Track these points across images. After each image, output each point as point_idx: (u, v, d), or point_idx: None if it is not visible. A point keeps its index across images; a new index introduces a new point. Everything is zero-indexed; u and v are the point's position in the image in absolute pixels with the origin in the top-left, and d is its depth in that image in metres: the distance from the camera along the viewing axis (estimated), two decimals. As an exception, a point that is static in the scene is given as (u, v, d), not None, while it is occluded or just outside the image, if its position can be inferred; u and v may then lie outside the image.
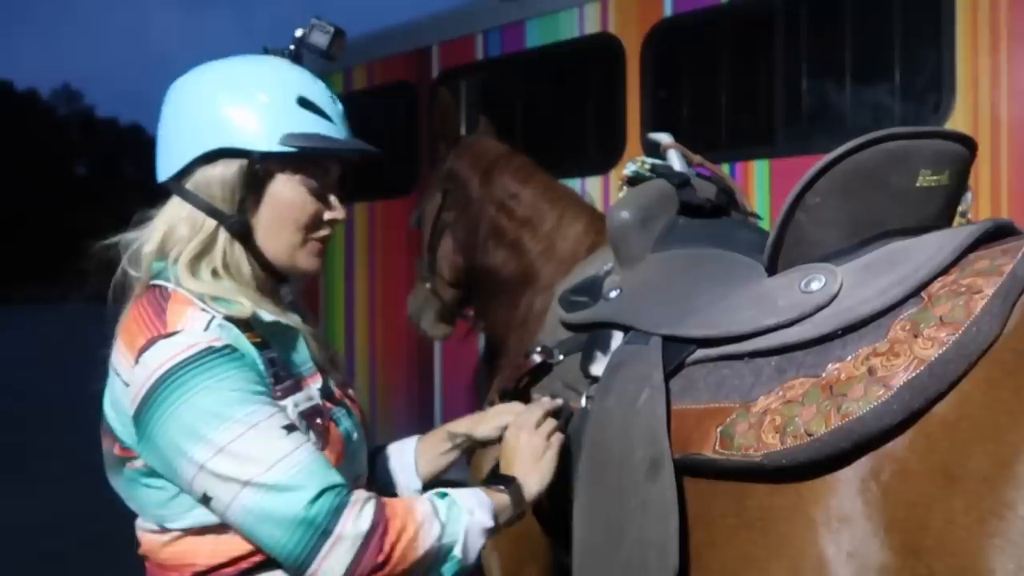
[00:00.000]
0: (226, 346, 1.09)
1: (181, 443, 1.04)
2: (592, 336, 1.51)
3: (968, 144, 1.19)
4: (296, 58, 1.27)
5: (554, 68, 3.87)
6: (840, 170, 1.15)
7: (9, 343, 15.66)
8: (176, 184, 1.18)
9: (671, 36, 3.31)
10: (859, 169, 1.14)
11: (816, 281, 1.17)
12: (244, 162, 1.16)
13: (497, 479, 1.27)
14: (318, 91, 1.22)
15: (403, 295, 2.52)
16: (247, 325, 1.14)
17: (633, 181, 1.59)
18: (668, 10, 3.26)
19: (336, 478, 1.07)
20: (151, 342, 1.08)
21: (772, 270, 1.26)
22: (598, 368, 1.47)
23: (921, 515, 0.97)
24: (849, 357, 1.09)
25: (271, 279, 1.24)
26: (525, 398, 1.70)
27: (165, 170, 1.20)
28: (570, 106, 3.87)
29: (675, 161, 1.61)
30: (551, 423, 1.36)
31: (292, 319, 1.22)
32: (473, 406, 3.86)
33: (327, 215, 1.23)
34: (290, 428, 1.08)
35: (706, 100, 3.30)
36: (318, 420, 1.17)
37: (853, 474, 1.03)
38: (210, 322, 1.10)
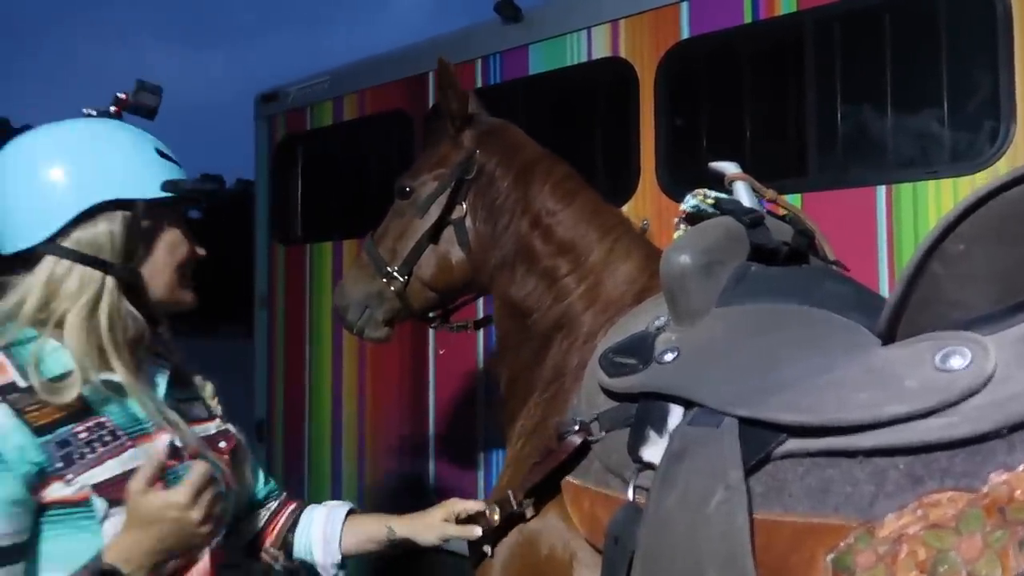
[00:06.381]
0: None
1: None
2: (643, 410, 1.21)
3: None
4: (118, 117, 1.32)
5: (559, 96, 3.61)
6: (994, 210, 0.86)
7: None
8: (50, 246, 1.18)
9: (689, 60, 3.06)
10: (1020, 209, 0.86)
11: (958, 356, 0.88)
12: (128, 213, 1.21)
13: (96, 563, 1.11)
14: (159, 143, 1.30)
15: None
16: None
17: (693, 218, 1.30)
18: (685, 31, 3.01)
19: None
20: None
21: (890, 337, 0.96)
22: (652, 453, 1.17)
23: None
24: (1022, 466, 0.79)
25: (149, 325, 1.28)
26: (554, 488, 1.40)
27: (28, 234, 1.18)
28: (577, 137, 3.61)
29: (743, 195, 1.33)
30: (212, 493, 1.16)
31: (133, 382, 1.20)
32: (469, 439, 3.52)
33: (199, 252, 1.34)
34: None
35: (729, 129, 3.03)
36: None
37: None
38: None
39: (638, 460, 1.20)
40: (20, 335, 1.16)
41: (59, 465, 1.11)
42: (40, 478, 1.10)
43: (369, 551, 1.48)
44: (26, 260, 1.19)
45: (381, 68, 4.30)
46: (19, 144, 1.22)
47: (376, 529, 1.46)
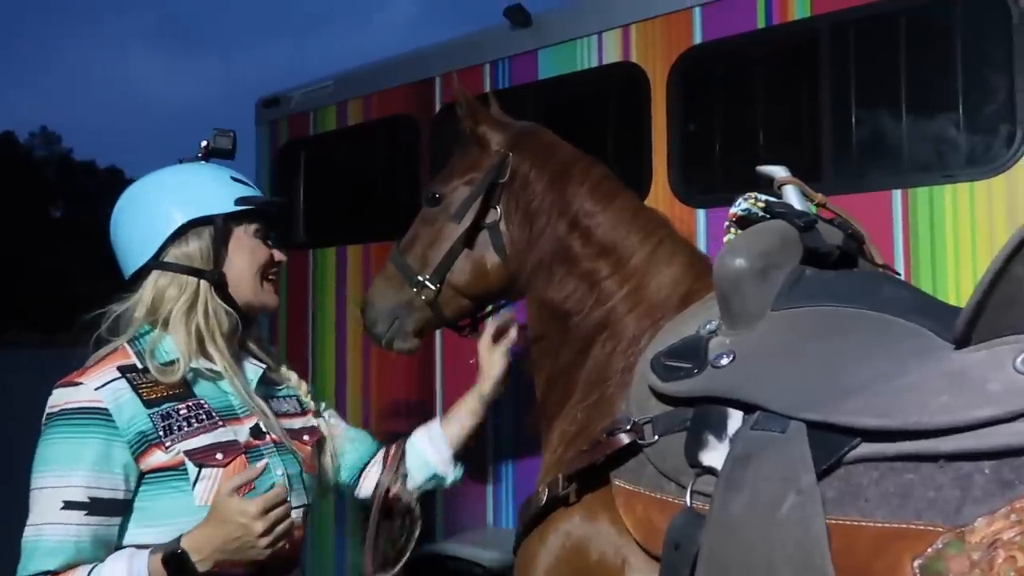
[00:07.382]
0: (99, 410, 1.32)
1: (34, 463, 1.33)
2: (700, 414, 1.21)
3: None
4: (205, 160, 1.63)
5: (569, 100, 3.61)
6: (1078, 211, 0.86)
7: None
8: (154, 263, 1.47)
9: (702, 65, 3.06)
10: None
11: (1041, 359, 0.88)
12: (211, 227, 1.49)
13: (174, 544, 1.28)
14: (236, 173, 1.59)
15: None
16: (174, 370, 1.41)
17: (743, 222, 1.29)
18: (698, 36, 3.02)
19: (46, 566, 1.25)
20: (59, 384, 1.37)
21: (964, 340, 0.96)
22: (712, 457, 1.17)
23: None
24: (1118, 468, 0.79)
25: (242, 323, 1.53)
26: (602, 481, 1.39)
27: (138, 258, 1.48)
28: (588, 142, 3.58)
29: (793, 199, 1.33)
30: (280, 513, 1.27)
31: (229, 368, 1.46)
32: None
33: (276, 257, 1.57)
34: (71, 505, 1.27)
35: (742, 134, 3.03)
36: (217, 455, 1.38)
37: None
38: (109, 382, 1.35)
39: (696, 465, 1.19)
40: (139, 331, 1.45)
41: (160, 434, 1.34)
42: (143, 445, 1.33)
43: (472, 426, 1.73)
44: (137, 278, 1.48)
45: (387, 72, 4.27)
46: (126, 193, 1.53)
47: (466, 405, 1.73)
